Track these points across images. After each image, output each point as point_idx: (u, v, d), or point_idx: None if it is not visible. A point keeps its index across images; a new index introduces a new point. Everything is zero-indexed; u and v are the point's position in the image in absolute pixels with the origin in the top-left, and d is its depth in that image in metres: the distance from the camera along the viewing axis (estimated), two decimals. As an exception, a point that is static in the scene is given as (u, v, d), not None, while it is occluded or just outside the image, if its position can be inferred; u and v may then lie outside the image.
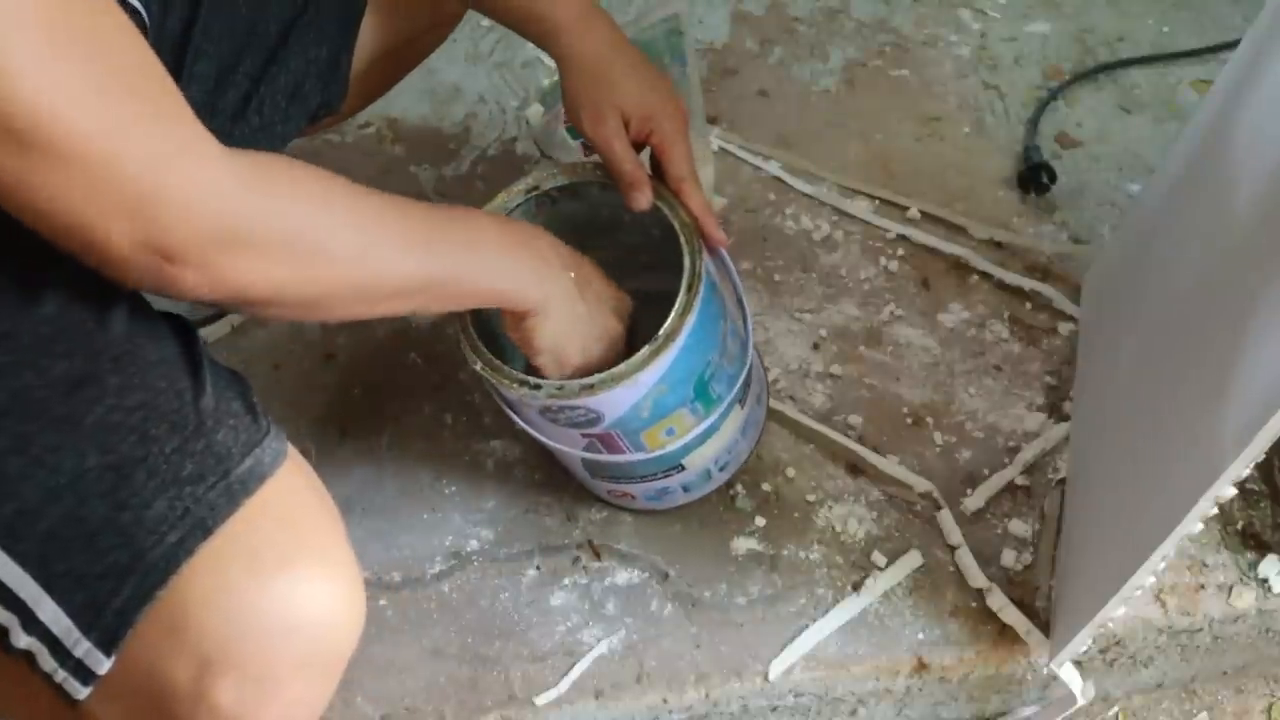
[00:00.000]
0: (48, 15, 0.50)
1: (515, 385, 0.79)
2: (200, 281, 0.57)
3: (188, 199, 0.55)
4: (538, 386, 0.79)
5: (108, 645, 0.57)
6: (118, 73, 0.53)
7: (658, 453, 0.85)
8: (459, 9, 1.01)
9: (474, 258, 0.71)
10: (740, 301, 0.90)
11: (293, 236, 0.60)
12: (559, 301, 0.76)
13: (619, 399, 0.79)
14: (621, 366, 0.78)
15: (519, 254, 0.74)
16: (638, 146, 0.84)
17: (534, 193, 0.86)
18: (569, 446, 0.86)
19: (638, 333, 0.83)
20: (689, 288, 0.80)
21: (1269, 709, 1.00)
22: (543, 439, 0.87)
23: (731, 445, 0.92)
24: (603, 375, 0.78)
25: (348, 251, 0.63)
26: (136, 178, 0.53)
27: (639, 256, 0.87)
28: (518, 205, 0.86)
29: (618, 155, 0.82)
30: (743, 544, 0.97)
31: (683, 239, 0.82)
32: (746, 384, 0.89)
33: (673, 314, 0.79)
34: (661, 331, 0.78)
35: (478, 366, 0.80)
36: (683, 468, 0.90)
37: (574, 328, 0.78)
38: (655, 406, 0.81)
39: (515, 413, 0.86)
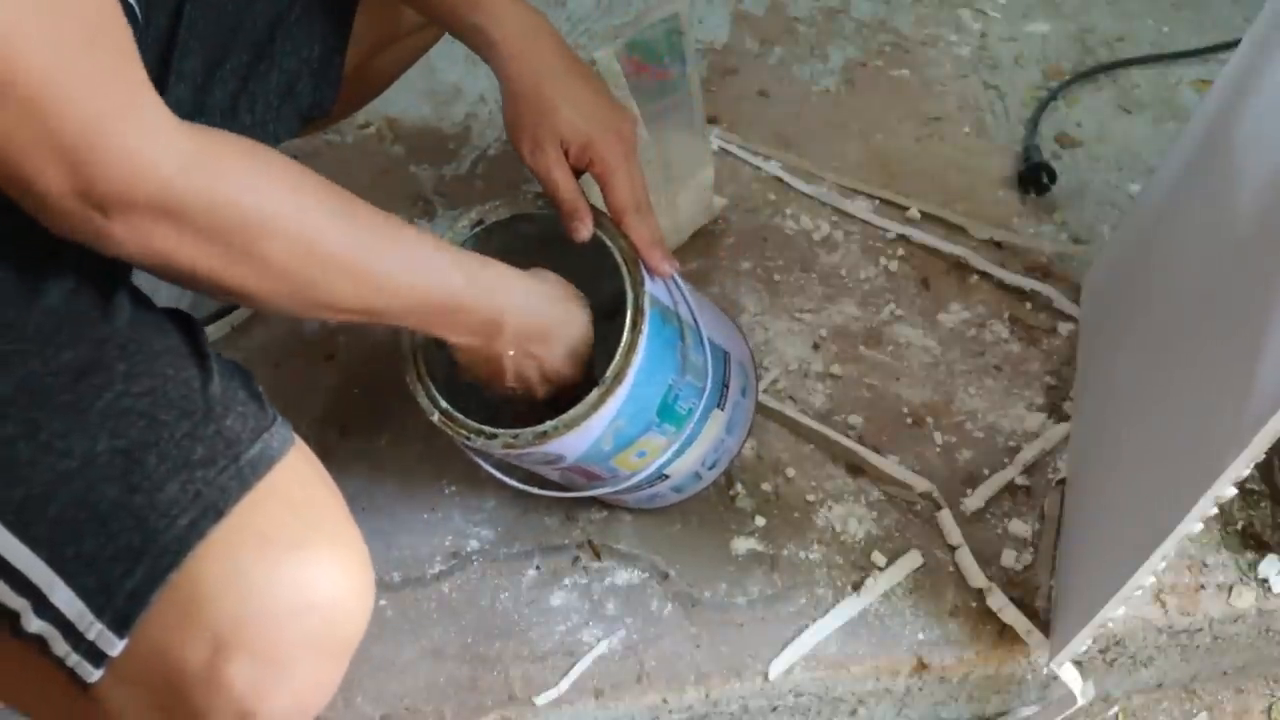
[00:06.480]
0: None
1: (472, 435, 0.79)
2: (128, 239, 0.57)
3: (125, 162, 0.54)
4: (494, 436, 0.78)
5: (120, 627, 0.57)
6: (79, 24, 0.52)
7: (634, 476, 0.85)
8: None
9: (443, 318, 0.72)
10: (694, 318, 0.85)
11: (230, 228, 0.59)
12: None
13: (575, 441, 0.79)
14: (571, 413, 0.77)
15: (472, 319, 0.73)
16: (580, 174, 0.81)
17: (479, 227, 0.83)
18: (543, 487, 0.87)
19: (606, 342, 0.81)
20: (633, 325, 0.78)
21: (1269, 709, 1.00)
22: (516, 485, 0.88)
23: (717, 445, 0.91)
24: (554, 422, 0.77)
25: (289, 266, 0.62)
26: (78, 130, 0.53)
27: (602, 267, 0.83)
28: (463, 242, 0.82)
29: (556, 185, 0.80)
30: (743, 544, 0.97)
31: (625, 271, 0.79)
32: (724, 385, 0.88)
33: (618, 355, 0.77)
34: (608, 374, 0.77)
35: (435, 418, 0.80)
36: (667, 476, 0.89)
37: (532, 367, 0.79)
38: (617, 438, 0.81)
39: (481, 460, 0.86)
